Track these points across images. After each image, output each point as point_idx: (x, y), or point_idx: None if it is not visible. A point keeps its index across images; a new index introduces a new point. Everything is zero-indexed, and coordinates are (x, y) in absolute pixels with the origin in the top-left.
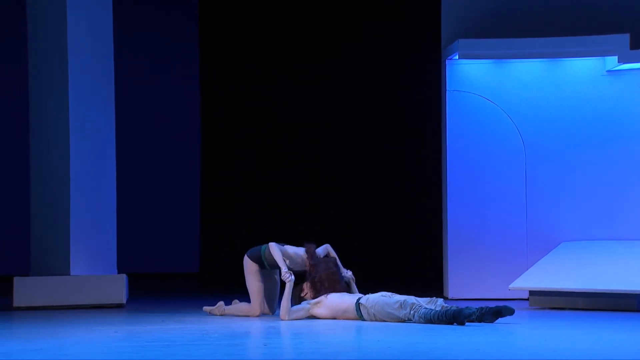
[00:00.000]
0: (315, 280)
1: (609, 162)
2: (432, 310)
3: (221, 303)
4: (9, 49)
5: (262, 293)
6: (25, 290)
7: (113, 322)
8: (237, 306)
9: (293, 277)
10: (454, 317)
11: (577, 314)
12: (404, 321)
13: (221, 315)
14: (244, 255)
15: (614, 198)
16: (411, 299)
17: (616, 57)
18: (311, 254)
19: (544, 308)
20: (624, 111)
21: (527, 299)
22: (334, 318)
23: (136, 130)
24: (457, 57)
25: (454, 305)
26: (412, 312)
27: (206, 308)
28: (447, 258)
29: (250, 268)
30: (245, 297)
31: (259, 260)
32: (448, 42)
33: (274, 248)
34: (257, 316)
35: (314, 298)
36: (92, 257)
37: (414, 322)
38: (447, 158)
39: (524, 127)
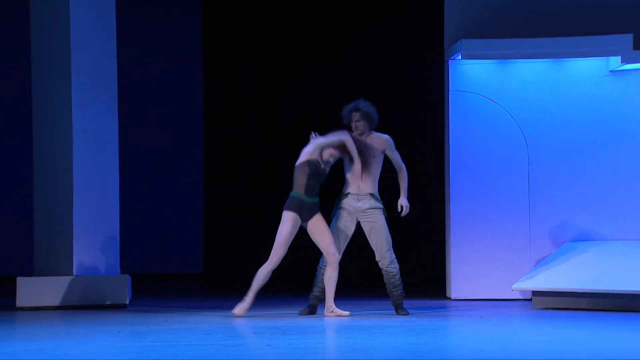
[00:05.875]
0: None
1: (612, 161)
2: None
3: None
4: (12, 50)
5: (286, 244)
6: (29, 290)
7: (116, 323)
8: (256, 278)
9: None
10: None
11: (581, 315)
12: None
13: (249, 306)
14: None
15: (618, 198)
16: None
17: (619, 57)
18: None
19: (547, 308)
20: (627, 111)
21: (531, 299)
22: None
23: (139, 130)
24: (460, 57)
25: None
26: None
27: (238, 311)
28: (450, 258)
29: (285, 217)
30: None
31: (295, 202)
32: (451, 42)
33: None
34: (273, 267)
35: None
36: (95, 258)
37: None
38: (450, 158)
39: (527, 128)
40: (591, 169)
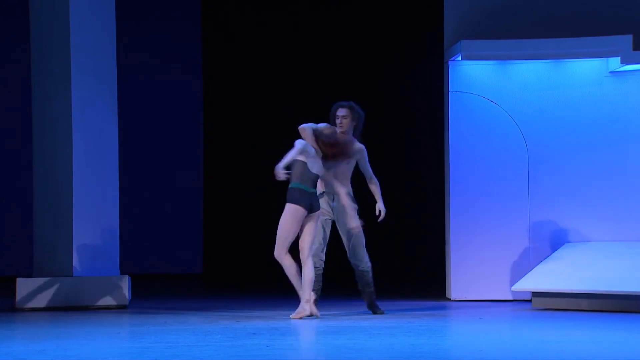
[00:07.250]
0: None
1: (612, 162)
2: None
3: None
4: (12, 50)
5: (288, 239)
6: (28, 291)
7: (116, 323)
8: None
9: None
10: None
11: (581, 315)
12: None
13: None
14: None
15: (618, 199)
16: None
17: (619, 58)
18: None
19: (547, 309)
20: (626, 112)
21: (530, 300)
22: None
23: (139, 130)
24: (459, 58)
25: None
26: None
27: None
28: (450, 259)
29: (288, 209)
30: (249, 299)
31: (297, 193)
32: (451, 43)
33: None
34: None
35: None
36: (94, 258)
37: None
38: (450, 159)
39: (527, 128)
40: (591, 169)
